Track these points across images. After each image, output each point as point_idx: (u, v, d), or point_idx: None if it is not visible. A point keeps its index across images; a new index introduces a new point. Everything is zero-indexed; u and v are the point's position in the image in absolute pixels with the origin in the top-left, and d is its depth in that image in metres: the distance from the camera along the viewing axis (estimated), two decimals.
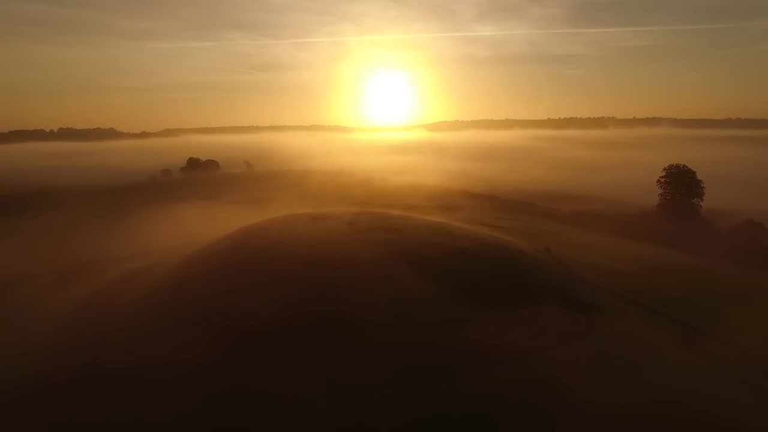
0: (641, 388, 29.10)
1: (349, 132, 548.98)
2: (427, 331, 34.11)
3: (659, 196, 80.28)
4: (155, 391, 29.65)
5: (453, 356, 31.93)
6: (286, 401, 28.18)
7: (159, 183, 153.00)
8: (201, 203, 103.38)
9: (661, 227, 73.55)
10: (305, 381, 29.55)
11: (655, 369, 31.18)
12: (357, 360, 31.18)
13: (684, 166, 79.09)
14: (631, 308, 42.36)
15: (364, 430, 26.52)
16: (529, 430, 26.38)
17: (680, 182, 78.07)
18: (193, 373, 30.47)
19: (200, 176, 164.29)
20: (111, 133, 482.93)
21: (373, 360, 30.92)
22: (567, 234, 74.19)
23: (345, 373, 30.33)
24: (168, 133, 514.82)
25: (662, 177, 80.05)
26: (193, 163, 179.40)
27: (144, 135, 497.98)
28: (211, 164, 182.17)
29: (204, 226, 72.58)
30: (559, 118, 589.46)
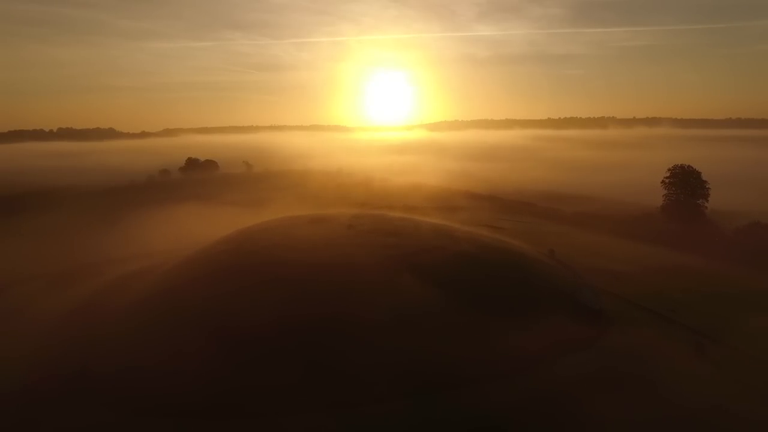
0: (655, 402, 27.81)
1: (349, 132, 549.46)
2: (430, 341, 32.71)
3: (663, 197, 78.98)
4: (146, 402, 28.44)
5: (457, 367, 30.58)
6: (282, 416, 26.83)
7: (157, 183, 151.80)
8: (199, 204, 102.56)
9: (665, 228, 72.52)
10: (302, 394, 28.19)
11: (669, 380, 29.86)
12: (356, 371, 29.80)
13: (689, 166, 77.81)
14: (640, 314, 41.05)
15: None
16: None
17: (685, 183, 76.84)
18: (184, 386, 29.18)
19: (199, 176, 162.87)
20: (110, 133, 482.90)
21: (373, 371, 29.54)
22: (570, 235, 73.01)
23: (344, 385, 28.95)
24: (167, 132, 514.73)
25: (666, 178, 78.80)
26: (192, 163, 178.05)
27: (143, 135, 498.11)
28: (210, 164, 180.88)
29: (202, 227, 71.63)
30: (559, 118, 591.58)
